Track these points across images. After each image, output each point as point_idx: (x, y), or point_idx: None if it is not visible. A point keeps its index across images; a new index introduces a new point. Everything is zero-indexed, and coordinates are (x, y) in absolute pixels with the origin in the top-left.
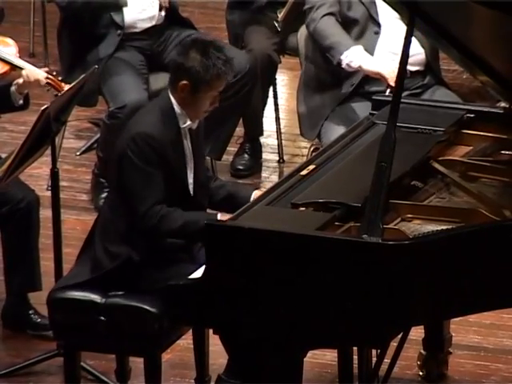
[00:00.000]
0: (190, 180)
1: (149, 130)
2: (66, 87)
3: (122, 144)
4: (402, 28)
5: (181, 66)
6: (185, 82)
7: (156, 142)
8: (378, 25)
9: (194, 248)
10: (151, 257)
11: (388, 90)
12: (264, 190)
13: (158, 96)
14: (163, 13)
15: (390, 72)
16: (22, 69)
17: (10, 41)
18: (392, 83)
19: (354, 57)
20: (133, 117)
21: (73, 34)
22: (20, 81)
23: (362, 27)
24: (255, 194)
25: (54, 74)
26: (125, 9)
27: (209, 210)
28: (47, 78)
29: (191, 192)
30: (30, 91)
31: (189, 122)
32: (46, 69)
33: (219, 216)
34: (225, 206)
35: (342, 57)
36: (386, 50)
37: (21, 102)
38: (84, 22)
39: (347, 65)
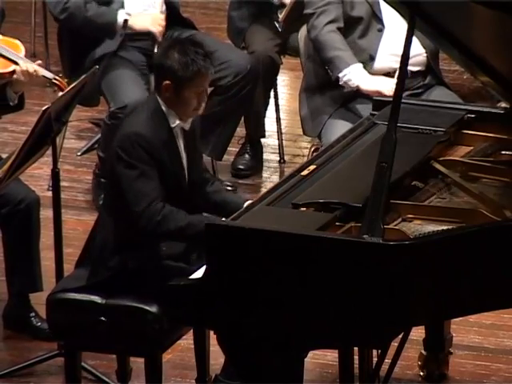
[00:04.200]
0: (185, 180)
1: (138, 130)
2: None
3: (113, 146)
4: (405, 27)
5: (161, 67)
6: (167, 81)
7: (145, 140)
8: (382, 23)
9: (191, 256)
10: (147, 265)
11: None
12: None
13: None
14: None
15: (390, 90)
16: (17, 63)
17: (18, 43)
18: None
19: (352, 76)
20: (122, 122)
21: (74, 34)
22: (14, 76)
23: (366, 25)
24: (247, 204)
25: (61, 75)
26: (126, 9)
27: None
28: (54, 78)
29: (185, 191)
30: (30, 92)
31: (178, 122)
32: (53, 76)
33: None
34: (215, 211)
35: (341, 74)
36: (388, 50)
37: (15, 101)
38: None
39: (345, 83)
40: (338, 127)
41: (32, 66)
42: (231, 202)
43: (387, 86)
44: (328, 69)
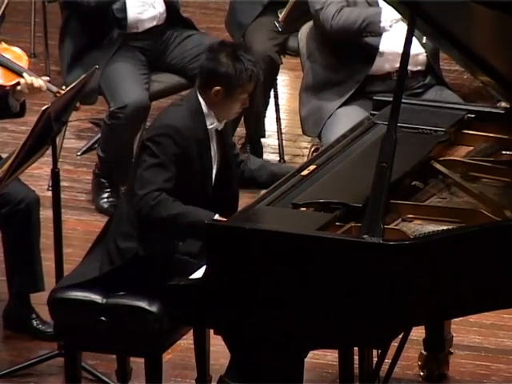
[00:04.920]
0: (211, 180)
1: (174, 123)
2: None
3: (144, 136)
4: (404, 26)
5: (213, 72)
6: (218, 87)
7: (179, 136)
8: None
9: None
10: (157, 254)
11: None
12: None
13: (187, 95)
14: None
15: None
16: (22, 76)
17: (21, 53)
18: None
19: (392, 15)
20: (160, 115)
21: (76, 34)
22: (18, 88)
23: None
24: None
25: (64, 88)
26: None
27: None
28: (58, 92)
29: (210, 194)
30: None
31: (216, 123)
32: (57, 89)
33: (217, 217)
34: (266, 185)
35: (382, 24)
36: (389, 49)
37: (17, 109)
38: (93, 19)
39: (390, 26)
40: (338, 127)
41: (37, 81)
42: (276, 171)
43: None
44: (368, 33)
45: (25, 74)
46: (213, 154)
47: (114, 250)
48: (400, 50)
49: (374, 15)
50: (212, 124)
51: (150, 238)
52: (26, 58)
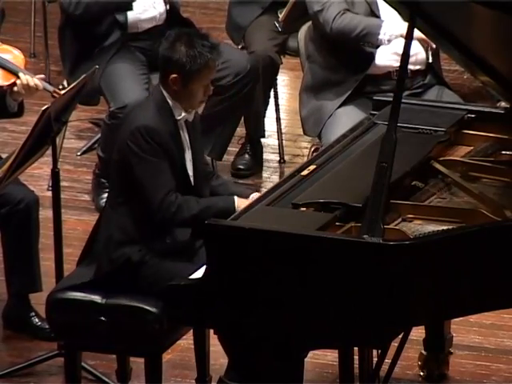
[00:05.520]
0: (190, 172)
1: (147, 123)
2: None
3: (122, 141)
4: (403, 25)
5: (168, 60)
6: (174, 75)
7: (156, 133)
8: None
9: (194, 246)
10: (151, 257)
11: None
12: (262, 193)
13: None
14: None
15: None
16: (18, 76)
17: (17, 52)
18: (434, 45)
19: (390, 30)
20: (128, 115)
21: (76, 34)
22: (15, 89)
23: None
24: (253, 196)
25: (60, 87)
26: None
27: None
28: (54, 91)
29: (192, 183)
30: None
31: (184, 114)
32: (54, 88)
33: (236, 200)
34: None
35: (380, 36)
36: (388, 49)
37: (15, 109)
38: (90, 24)
39: (388, 41)
40: (339, 127)
41: (33, 80)
42: (238, 194)
43: None
44: (363, 44)
45: (20, 74)
46: (185, 144)
47: (105, 259)
48: (397, 49)
49: (374, 26)
50: (180, 115)
51: (149, 241)
52: (22, 57)
